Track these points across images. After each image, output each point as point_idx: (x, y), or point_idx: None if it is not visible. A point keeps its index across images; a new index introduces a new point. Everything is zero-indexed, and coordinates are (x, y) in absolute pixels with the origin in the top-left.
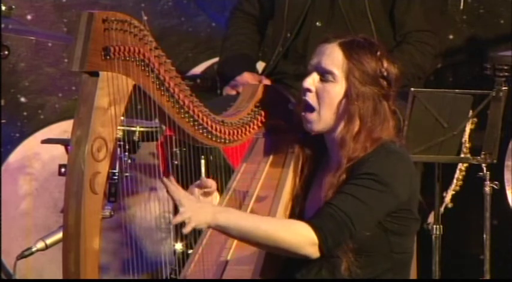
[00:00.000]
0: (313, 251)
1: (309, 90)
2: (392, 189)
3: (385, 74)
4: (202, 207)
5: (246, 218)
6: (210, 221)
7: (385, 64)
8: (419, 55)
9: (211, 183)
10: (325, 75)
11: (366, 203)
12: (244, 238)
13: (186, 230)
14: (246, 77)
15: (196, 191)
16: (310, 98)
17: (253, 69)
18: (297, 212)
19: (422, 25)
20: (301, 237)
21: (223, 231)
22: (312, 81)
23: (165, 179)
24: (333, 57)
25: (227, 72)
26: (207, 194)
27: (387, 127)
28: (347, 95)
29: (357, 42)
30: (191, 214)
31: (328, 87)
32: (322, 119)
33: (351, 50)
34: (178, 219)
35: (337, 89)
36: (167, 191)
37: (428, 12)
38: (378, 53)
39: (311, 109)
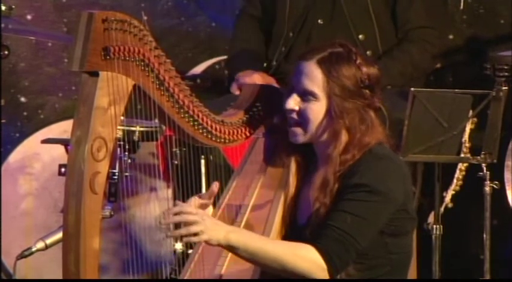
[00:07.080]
0: (323, 275)
1: (292, 110)
2: (387, 197)
3: (366, 82)
4: (216, 224)
5: (255, 240)
6: (222, 239)
7: (365, 69)
8: (418, 54)
9: (212, 194)
10: (306, 95)
11: (365, 218)
12: (253, 260)
13: (195, 240)
14: (255, 77)
15: (194, 200)
16: (294, 117)
17: (261, 66)
18: (287, 220)
19: (424, 22)
20: (310, 263)
21: (233, 251)
22: (293, 102)
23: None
24: (312, 76)
25: (237, 67)
26: (204, 206)
27: (375, 131)
28: (330, 112)
29: (335, 56)
30: (204, 228)
31: (311, 106)
32: (307, 134)
33: (330, 66)
34: (191, 229)
35: (319, 107)
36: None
37: (430, 9)
38: (358, 61)
39: (295, 124)
